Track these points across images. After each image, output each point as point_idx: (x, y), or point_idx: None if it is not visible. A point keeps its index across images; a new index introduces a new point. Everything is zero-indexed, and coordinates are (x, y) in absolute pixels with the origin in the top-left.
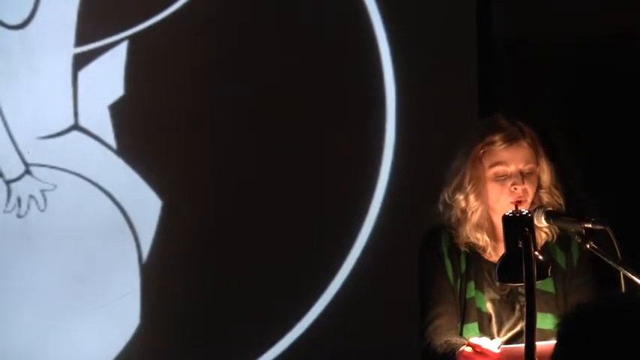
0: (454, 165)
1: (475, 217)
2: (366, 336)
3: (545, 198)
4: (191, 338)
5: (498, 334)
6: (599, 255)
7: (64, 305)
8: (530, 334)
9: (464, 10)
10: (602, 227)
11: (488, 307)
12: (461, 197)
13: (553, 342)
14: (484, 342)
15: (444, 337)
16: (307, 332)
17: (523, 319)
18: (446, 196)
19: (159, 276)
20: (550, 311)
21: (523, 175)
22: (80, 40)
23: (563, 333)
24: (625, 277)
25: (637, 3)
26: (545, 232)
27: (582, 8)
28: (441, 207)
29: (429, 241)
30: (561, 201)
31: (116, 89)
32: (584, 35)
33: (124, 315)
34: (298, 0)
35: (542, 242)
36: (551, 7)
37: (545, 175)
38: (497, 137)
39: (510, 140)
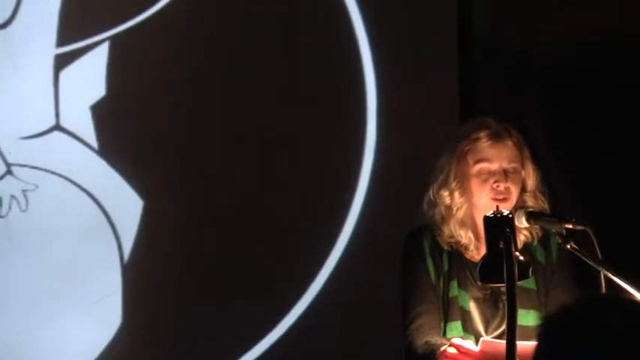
0: (440, 162)
1: (460, 214)
2: (348, 337)
3: (530, 202)
4: (173, 338)
5: (486, 333)
6: (580, 255)
7: (46, 305)
8: (511, 335)
9: (445, 12)
10: (582, 228)
11: (472, 306)
12: (446, 194)
13: (533, 343)
14: (464, 342)
15: (425, 337)
16: (289, 332)
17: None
18: (431, 193)
19: (140, 276)
20: (532, 308)
21: (506, 174)
22: (62, 40)
23: (545, 334)
24: (605, 277)
25: (616, 4)
26: (525, 235)
27: (563, 9)
28: (425, 205)
29: (410, 242)
30: (546, 206)
31: (98, 89)
32: (565, 37)
33: (105, 315)
34: (279, 1)
35: (521, 244)
36: (532, 9)
37: (531, 179)
38: (482, 134)
39: (495, 137)
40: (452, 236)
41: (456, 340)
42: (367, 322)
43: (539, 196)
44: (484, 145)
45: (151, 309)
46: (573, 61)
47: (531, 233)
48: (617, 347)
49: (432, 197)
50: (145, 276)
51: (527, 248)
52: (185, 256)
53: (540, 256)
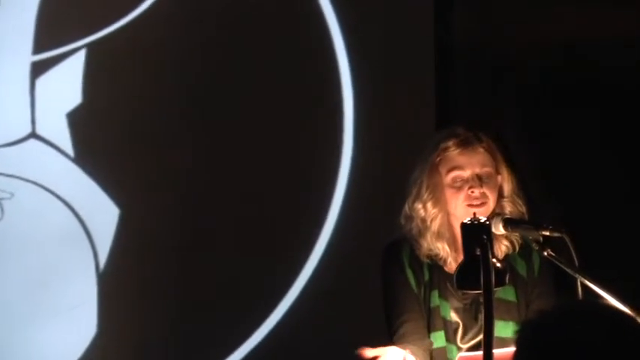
0: (413, 176)
1: (435, 225)
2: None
3: (508, 207)
4: (149, 347)
5: (463, 342)
6: (557, 262)
7: (21, 313)
8: (487, 342)
9: (422, 17)
10: (559, 235)
11: (453, 316)
12: (419, 206)
13: (511, 349)
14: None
15: (406, 345)
16: (266, 339)
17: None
18: (407, 207)
19: (116, 284)
20: (512, 319)
21: (480, 179)
22: (38, 47)
23: (521, 340)
24: (582, 284)
25: (594, 7)
26: (506, 245)
27: (537, 15)
28: (402, 220)
29: (389, 253)
30: (524, 209)
31: (74, 97)
32: (542, 42)
33: (81, 323)
34: (257, 8)
35: (503, 255)
36: (508, 14)
37: (507, 184)
38: (451, 142)
39: (464, 144)
40: (430, 249)
41: (463, 354)
42: (346, 325)
43: (517, 200)
44: (454, 153)
45: (126, 318)
46: (548, 64)
47: (512, 243)
48: (592, 354)
49: (407, 211)
50: (121, 284)
51: (508, 260)
52: (161, 265)
53: (522, 269)
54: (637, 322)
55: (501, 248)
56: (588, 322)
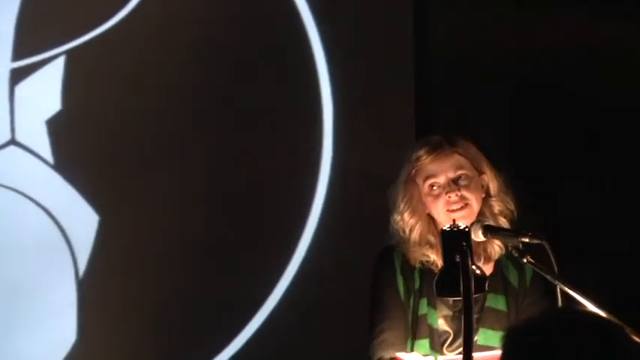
0: (390, 192)
1: (415, 235)
2: (306, 347)
3: (497, 206)
4: (129, 353)
5: (449, 350)
6: (537, 269)
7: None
8: (467, 349)
9: (401, 26)
10: (539, 241)
11: (440, 324)
12: (398, 218)
13: (493, 353)
14: (409, 356)
15: (382, 352)
16: (248, 343)
17: (474, 335)
18: (391, 221)
19: (95, 291)
20: (501, 329)
21: (456, 183)
22: (17, 54)
23: (506, 348)
24: (562, 291)
25: (579, 17)
26: (499, 246)
27: (521, 23)
28: (391, 231)
29: (382, 259)
30: (512, 207)
31: (53, 104)
32: (524, 50)
33: (60, 331)
34: (237, 16)
35: (497, 256)
36: (489, 22)
37: (493, 183)
38: (422, 151)
39: (435, 151)
40: (421, 255)
41: (401, 355)
42: (328, 331)
43: (505, 197)
44: (425, 161)
45: (106, 325)
46: (531, 73)
47: (504, 244)
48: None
49: (392, 224)
50: (101, 291)
51: (499, 266)
52: (141, 272)
53: (514, 278)
54: (621, 330)
55: (494, 249)
56: (573, 329)
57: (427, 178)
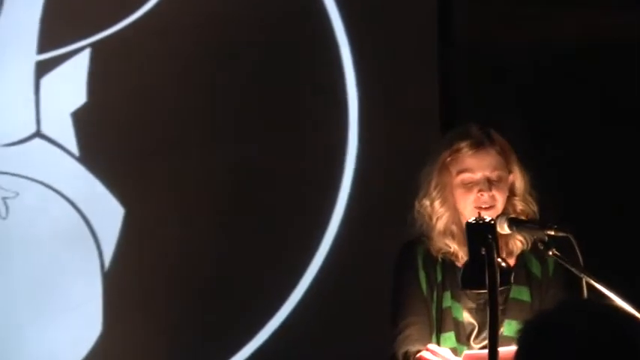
0: (422, 173)
1: (441, 224)
2: (330, 343)
3: (520, 205)
4: (154, 346)
5: (475, 342)
6: (562, 262)
7: (25, 313)
8: (492, 341)
9: (425, 16)
10: (564, 234)
11: (465, 317)
12: (427, 203)
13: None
14: (441, 349)
15: (407, 347)
16: (272, 337)
17: (500, 327)
18: (417, 204)
19: (121, 284)
20: (525, 319)
21: (490, 182)
22: (42, 47)
23: (522, 339)
24: (587, 284)
25: (597, 6)
26: (521, 241)
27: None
28: (416, 215)
29: (404, 253)
30: (535, 208)
31: (79, 96)
32: (544, 41)
33: (86, 323)
34: (261, 12)
35: (519, 251)
36: (513, 11)
37: (519, 182)
38: (463, 144)
39: (477, 146)
40: (440, 246)
41: (432, 346)
42: (352, 326)
43: (529, 198)
44: (466, 155)
45: (131, 317)
46: (551, 65)
47: (525, 240)
48: (592, 353)
49: (417, 207)
50: (126, 284)
51: (522, 258)
52: (165, 265)
53: (536, 269)
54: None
55: (516, 244)
56: (591, 321)
57: (463, 171)
